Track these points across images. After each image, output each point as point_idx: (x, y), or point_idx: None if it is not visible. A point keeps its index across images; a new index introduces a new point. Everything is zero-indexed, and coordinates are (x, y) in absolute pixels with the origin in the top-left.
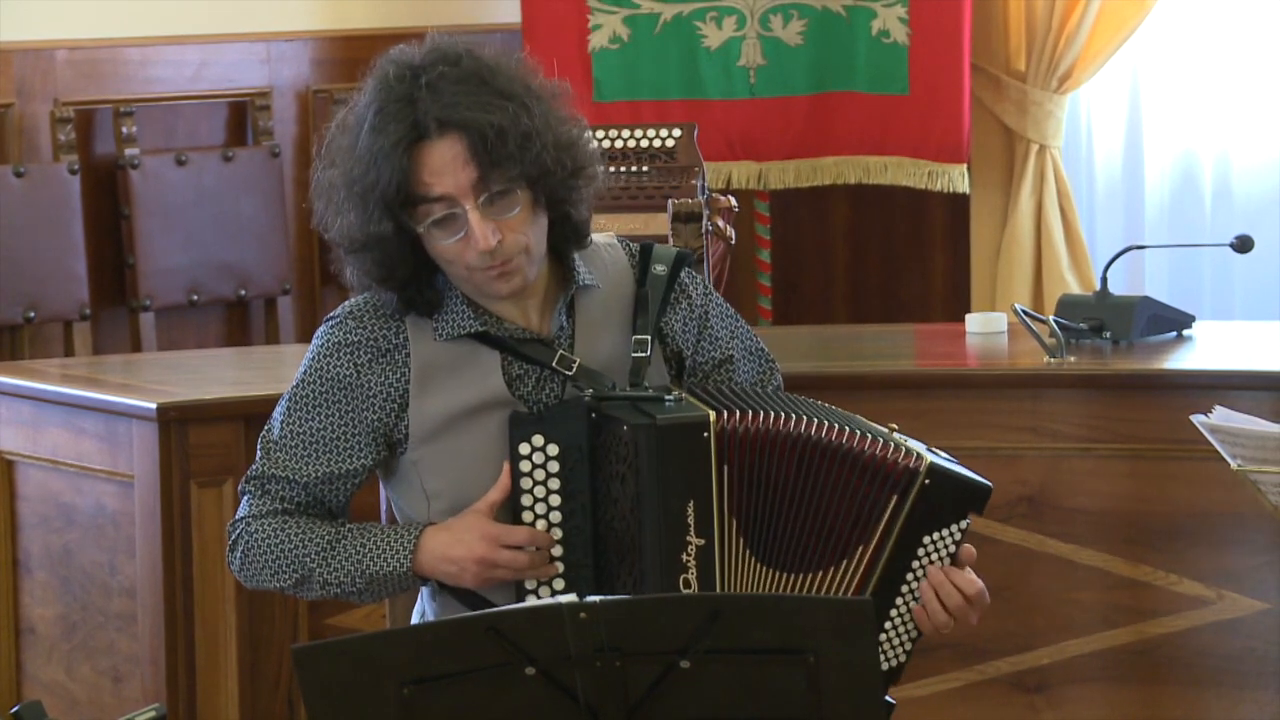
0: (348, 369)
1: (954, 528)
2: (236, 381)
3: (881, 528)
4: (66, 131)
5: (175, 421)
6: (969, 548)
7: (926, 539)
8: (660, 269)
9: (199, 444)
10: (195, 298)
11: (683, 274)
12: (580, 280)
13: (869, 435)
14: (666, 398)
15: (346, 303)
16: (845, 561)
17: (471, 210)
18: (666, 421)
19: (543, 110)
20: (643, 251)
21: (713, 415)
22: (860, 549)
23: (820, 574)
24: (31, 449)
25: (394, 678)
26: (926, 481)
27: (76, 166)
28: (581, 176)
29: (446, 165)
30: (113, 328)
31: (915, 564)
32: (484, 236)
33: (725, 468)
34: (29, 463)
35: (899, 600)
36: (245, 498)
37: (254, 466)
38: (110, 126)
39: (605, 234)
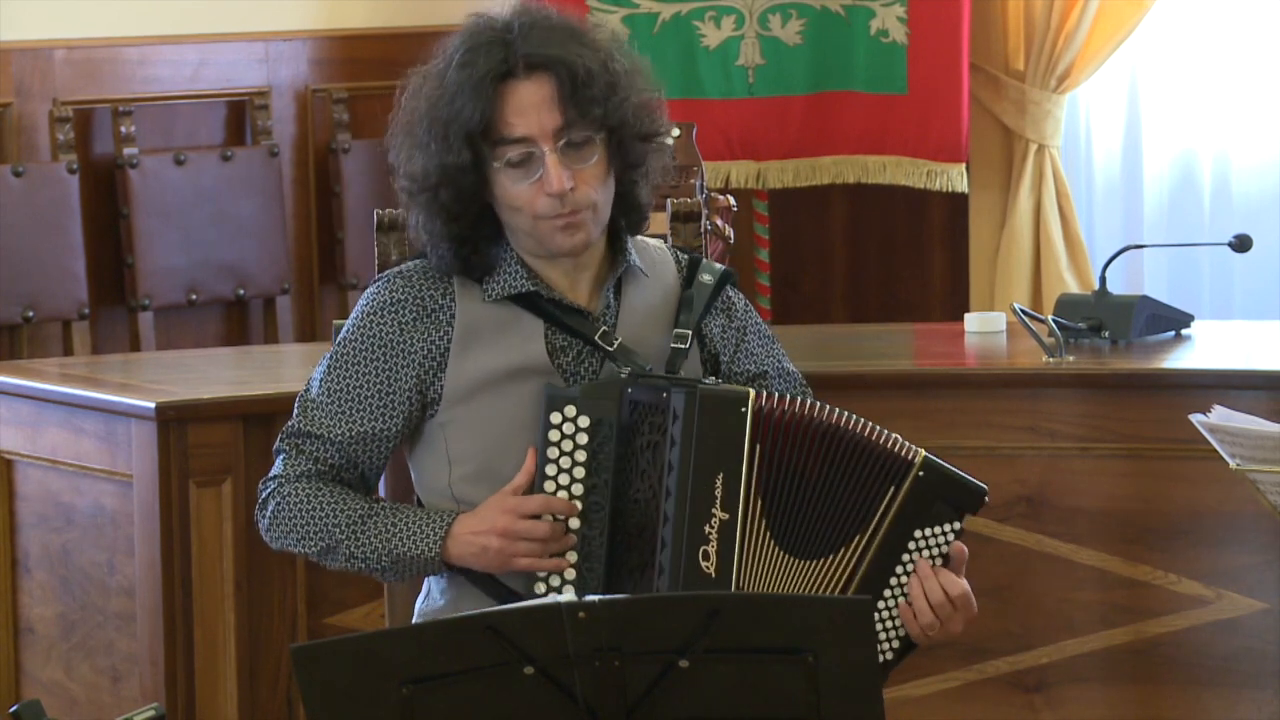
0: (392, 328)
1: (946, 527)
2: (235, 381)
3: (876, 518)
4: (65, 131)
5: (174, 421)
6: (961, 548)
7: (917, 533)
8: (707, 278)
9: (198, 443)
10: (194, 297)
11: (727, 289)
12: (631, 259)
13: (876, 428)
14: (704, 380)
15: (398, 266)
16: (843, 550)
17: (550, 153)
18: (707, 391)
19: (628, 68)
20: (691, 261)
21: (751, 394)
22: (857, 538)
23: (823, 560)
24: (30, 448)
25: (393, 677)
26: (921, 474)
27: (75, 166)
28: (654, 141)
29: (531, 106)
30: (111, 327)
31: (905, 557)
32: (558, 179)
33: (758, 446)
34: (28, 462)
35: (886, 593)
36: (280, 456)
37: (290, 423)
38: (109, 126)
39: (655, 239)
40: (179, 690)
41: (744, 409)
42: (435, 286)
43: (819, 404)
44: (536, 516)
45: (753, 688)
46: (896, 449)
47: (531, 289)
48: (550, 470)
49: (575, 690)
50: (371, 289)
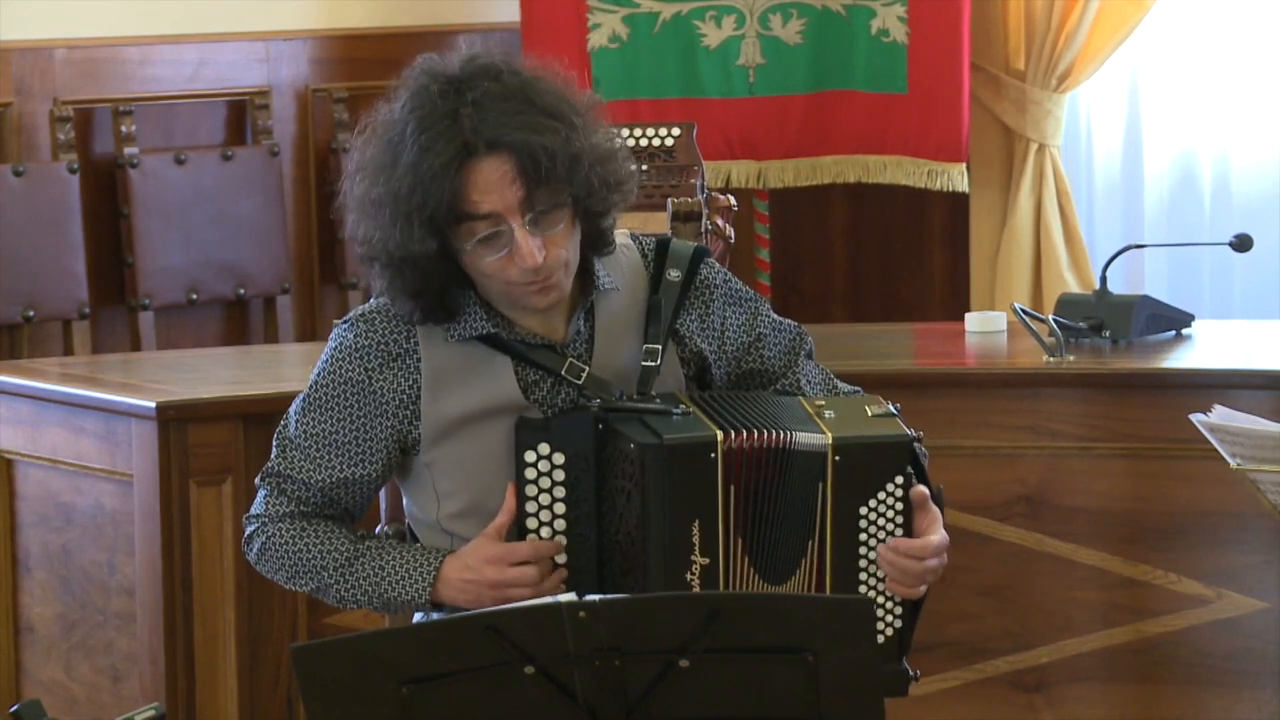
0: (359, 374)
1: (889, 488)
2: (235, 380)
3: (818, 518)
4: (65, 130)
5: (174, 421)
6: (918, 491)
7: (863, 509)
8: (674, 274)
9: (198, 443)
10: (194, 297)
11: (701, 269)
12: (600, 285)
13: (786, 429)
14: (674, 411)
15: (361, 305)
16: (804, 560)
17: (518, 228)
18: (674, 441)
19: (585, 126)
20: (658, 252)
21: (720, 435)
22: (810, 544)
23: (792, 578)
24: (31, 448)
25: (393, 677)
26: (837, 459)
27: (75, 165)
28: (619, 191)
29: (494, 184)
30: (112, 327)
31: (862, 536)
32: (530, 254)
33: (731, 487)
34: (28, 462)
35: (862, 575)
36: (262, 492)
37: (271, 462)
38: (109, 125)
39: (620, 232)
40: (179, 690)
41: (713, 454)
42: (399, 330)
43: (774, 426)
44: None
45: (753, 688)
46: (808, 447)
47: (492, 330)
48: (531, 508)
49: (575, 690)
50: (336, 331)
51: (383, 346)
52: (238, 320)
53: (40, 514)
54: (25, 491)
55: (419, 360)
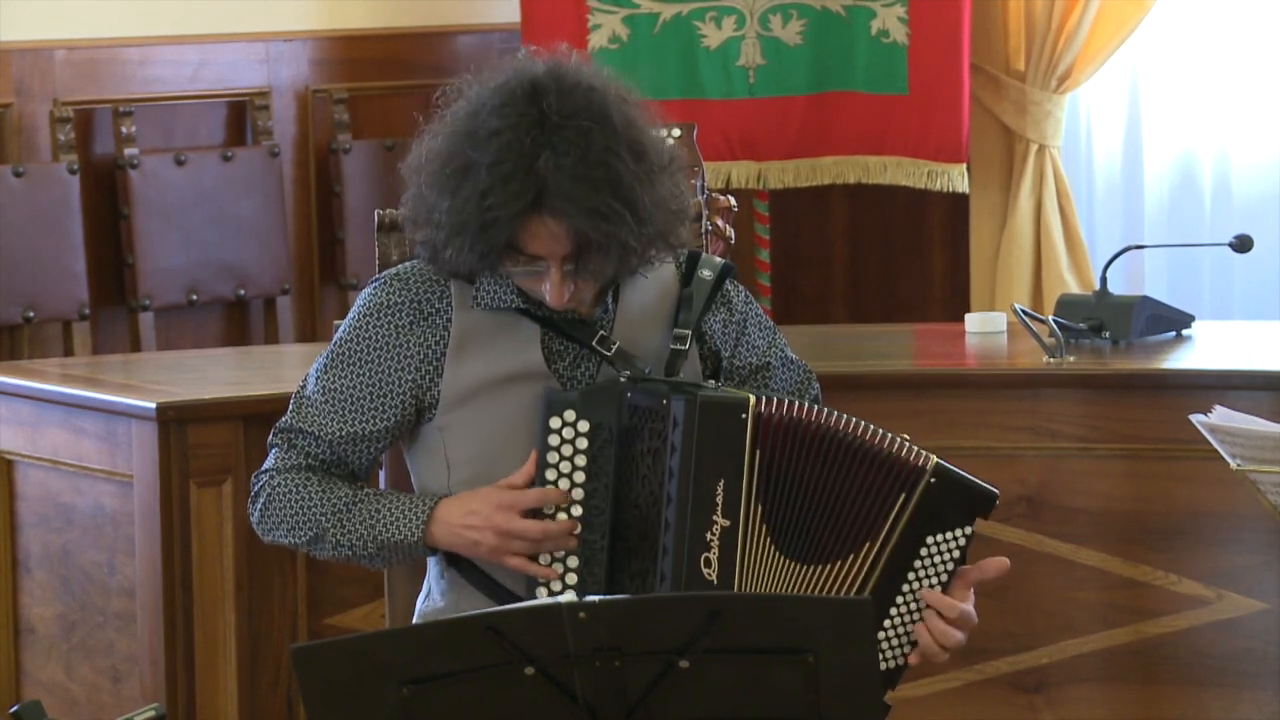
0: (388, 331)
1: (958, 532)
2: (236, 381)
3: (888, 524)
4: (66, 131)
5: (174, 421)
6: (992, 564)
7: (930, 539)
8: (706, 274)
9: (198, 444)
10: (194, 298)
11: (726, 283)
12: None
13: (885, 434)
14: (704, 384)
15: (394, 267)
16: (853, 556)
17: (555, 269)
18: (707, 398)
19: (653, 199)
20: (690, 256)
21: (752, 399)
22: (867, 545)
23: (829, 566)
24: (31, 449)
25: (393, 677)
26: (932, 480)
27: (76, 166)
28: (670, 250)
29: (548, 237)
30: (112, 327)
31: (917, 564)
32: (557, 296)
33: (758, 452)
34: (28, 462)
35: (899, 599)
36: (273, 450)
37: (284, 419)
38: (109, 126)
39: None
40: (179, 690)
41: (744, 415)
42: (432, 290)
43: (824, 409)
44: (533, 514)
45: (753, 688)
46: (907, 455)
47: (522, 306)
48: (550, 475)
49: (575, 690)
50: (368, 290)
51: (415, 304)
52: (238, 321)
53: (40, 514)
54: (25, 492)
55: (449, 320)
